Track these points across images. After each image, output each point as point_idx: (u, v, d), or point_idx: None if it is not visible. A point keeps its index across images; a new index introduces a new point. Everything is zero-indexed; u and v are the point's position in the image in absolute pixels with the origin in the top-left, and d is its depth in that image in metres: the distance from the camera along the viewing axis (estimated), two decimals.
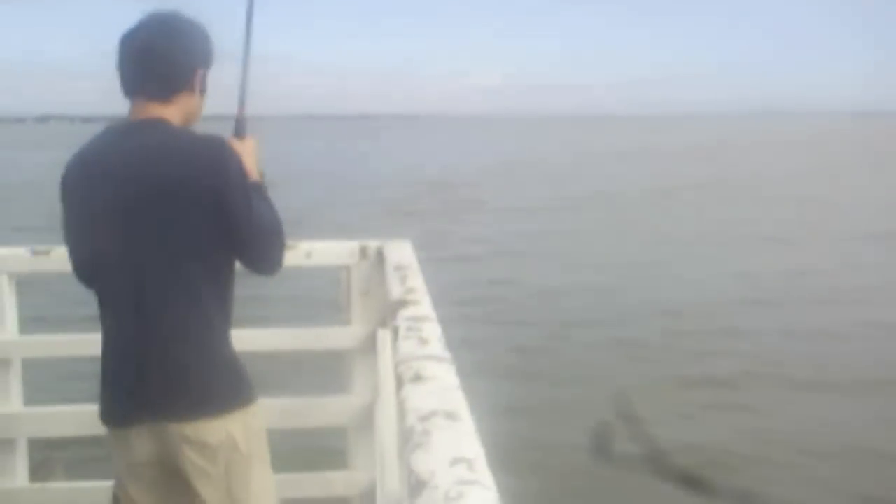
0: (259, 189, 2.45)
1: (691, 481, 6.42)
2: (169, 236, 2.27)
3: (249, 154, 2.49)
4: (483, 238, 20.32)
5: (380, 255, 3.22)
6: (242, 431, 2.37)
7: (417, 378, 1.66)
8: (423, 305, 2.31)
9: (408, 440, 1.37)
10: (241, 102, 2.65)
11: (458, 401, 1.52)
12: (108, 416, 2.42)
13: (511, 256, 17.86)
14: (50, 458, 4.79)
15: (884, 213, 23.28)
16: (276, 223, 2.43)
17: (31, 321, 3.54)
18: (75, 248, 2.43)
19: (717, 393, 9.08)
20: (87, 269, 2.42)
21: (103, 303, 2.40)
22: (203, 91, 2.44)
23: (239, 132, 2.57)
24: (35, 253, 3.33)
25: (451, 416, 1.44)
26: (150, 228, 2.27)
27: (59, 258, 3.27)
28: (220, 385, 2.37)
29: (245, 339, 2.98)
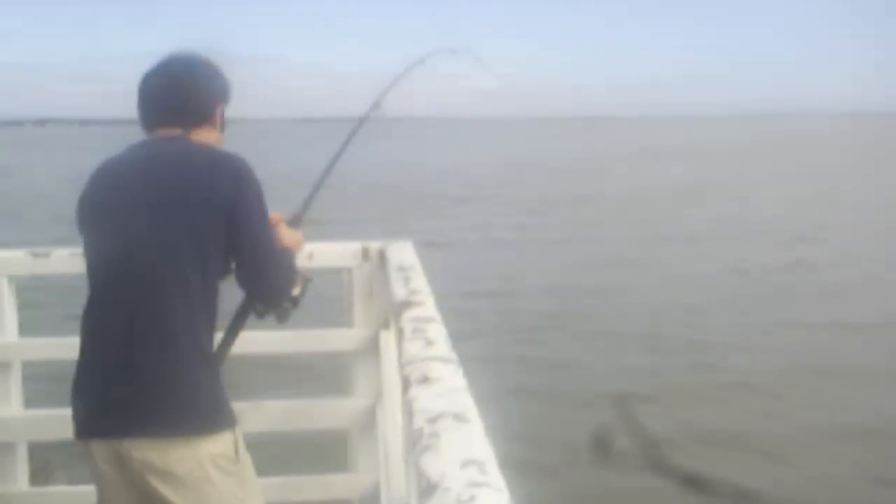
0: (288, 249, 2.54)
1: (691, 480, 6.43)
2: (175, 242, 2.23)
3: (295, 245, 2.62)
4: (486, 235, 20.58)
5: (382, 257, 3.20)
6: (216, 460, 2.24)
7: (424, 380, 1.64)
8: (428, 306, 2.29)
9: (416, 442, 1.36)
10: (307, 204, 2.78)
11: (466, 402, 1.50)
12: (76, 424, 2.32)
13: (505, 252, 18.11)
14: (50, 461, 4.77)
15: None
16: (288, 263, 2.49)
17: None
18: (89, 252, 2.39)
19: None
20: (95, 271, 2.36)
21: (96, 305, 2.32)
22: (222, 127, 2.49)
23: (293, 224, 2.68)
24: (35, 255, 3.30)
25: (459, 417, 1.42)
26: (158, 231, 2.24)
27: (58, 261, 3.25)
28: (196, 405, 2.25)
29: (247, 341, 2.96)
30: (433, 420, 1.41)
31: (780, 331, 11.33)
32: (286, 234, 2.56)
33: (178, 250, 2.23)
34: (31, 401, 3.43)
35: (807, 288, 13.96)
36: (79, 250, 3.19)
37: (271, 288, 2.45)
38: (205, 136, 2.41)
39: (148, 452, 2.19)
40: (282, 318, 2.57)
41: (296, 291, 2.55)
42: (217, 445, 2.26)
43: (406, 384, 1.67)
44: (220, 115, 2.47)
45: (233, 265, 2.36)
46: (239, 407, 2.41)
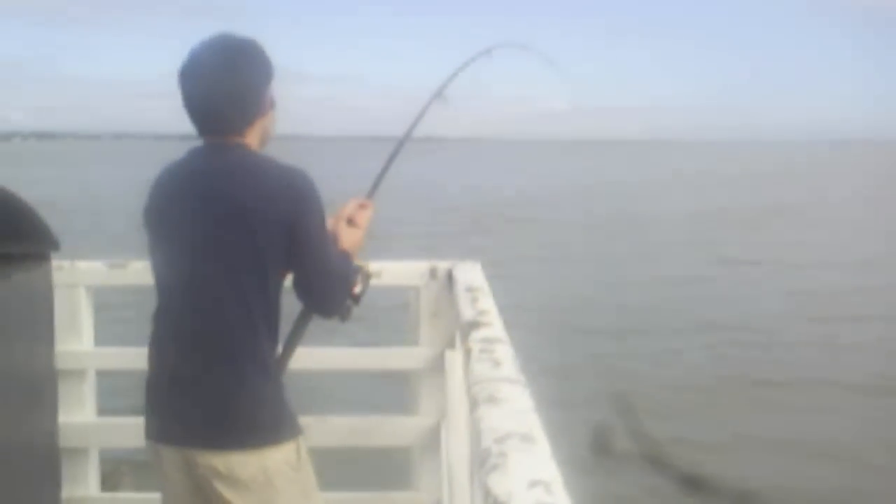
0: (346, 255, 2.49)
1: (691, 481, 6.39)
2: (234, 256, 2.25)
3: (365, 217, 2.60)
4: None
5: (449, 277, 3.21)
6: (279, 466, 2.28)
7: (492, 400, 1.64)
8: (496, 327, 2.29)
9: (483, 461, 1.36)
10: (383, 172, 2.80)
11: (533, 423, 1.50)
12: (147, 428, 2.39)
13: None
14: (119, 467, 4.88)
15: None
16: (346, 273, 2.45)
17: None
18: (154, 264, 2.42)
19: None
20: (160, 282, 2.41)
21: (161, 316, 2.38)
22: (273, 106, 2.41)
23: (370, 195, 2.70)
24: (111, 266, 3.39)
25: (526, 438, 1.42)
26: (218, 247, 2.26)
27: (135, 271, 3.33)
28: (259, 418, 2.29)
29: (313, 357, 2.99)
30: (500, 440, 1.41)
31: (849, 351, 11.50)
32: (345, 236, 2.53)
33: (236, 264, 2.25)
34: (103, 408, 3.51)
35: (875, 311, 13.82)
36: None
37: (329, 302, 2.45)
38: (259, 127, 2.35)
39: (212, 459, 2.25)
40: (344, 318, 2.54)
41: (357, 289, 2.52)
42: (280, 453, 2.29)
43: (473, 404, 1.67)
44: (269, 98, 2.37)
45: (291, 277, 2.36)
46: (304, 421, 2.44)
